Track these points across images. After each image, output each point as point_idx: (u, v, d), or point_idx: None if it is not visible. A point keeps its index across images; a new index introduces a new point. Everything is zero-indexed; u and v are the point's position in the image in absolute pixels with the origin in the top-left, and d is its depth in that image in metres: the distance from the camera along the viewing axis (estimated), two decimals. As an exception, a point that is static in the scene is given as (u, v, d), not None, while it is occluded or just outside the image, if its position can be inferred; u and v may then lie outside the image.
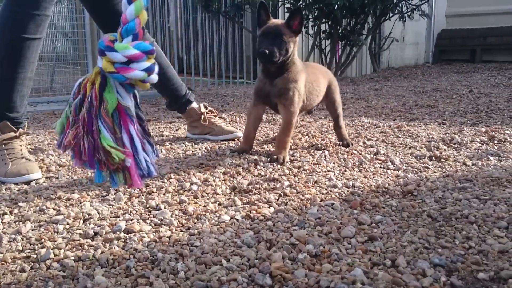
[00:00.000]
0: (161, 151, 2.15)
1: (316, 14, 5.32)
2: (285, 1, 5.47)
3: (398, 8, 5.49)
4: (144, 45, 1.03)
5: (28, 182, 1.72)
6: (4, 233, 1.26)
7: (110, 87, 1.03)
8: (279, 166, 1.86)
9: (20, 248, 1.18)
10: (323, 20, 5.38)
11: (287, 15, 5.50)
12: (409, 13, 5.67)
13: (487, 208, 1.35)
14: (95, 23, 2.22)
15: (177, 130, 2.73)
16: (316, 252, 1.11)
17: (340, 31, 5.50)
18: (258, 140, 2.35)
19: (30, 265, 1.09)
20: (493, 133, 2.31)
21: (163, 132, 2.67)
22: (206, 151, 2.15)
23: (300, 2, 5.26)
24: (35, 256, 1.13)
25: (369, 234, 1.20)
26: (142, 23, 1.03)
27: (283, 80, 1.95)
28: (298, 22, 1.89)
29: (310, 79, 2.04)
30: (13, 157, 1.80)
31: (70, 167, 1.93)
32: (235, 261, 1.08)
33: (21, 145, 1.88)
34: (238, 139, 2.37)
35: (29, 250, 1.17)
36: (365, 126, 2.68)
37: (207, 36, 5.68)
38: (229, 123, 2.84)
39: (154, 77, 1.06)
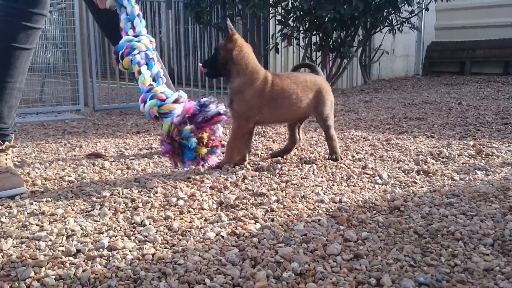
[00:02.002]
0: (149, 164, 2.14)
1: (307, 26, 5.35)
2: (276, 13, 5.50)
3: (388, 20, 5.53)
4: None
5: (12, 197, 1.70)
6: (-15, 250, 1.24)
7: None
8: (267, 180, 1.85)
9: (0, 266, 1.16)
10: (314, 32, 5.41)
11: (278, 27, 5.53)
12: (399, 26, 5.72)
13: (473, 225, 1.35)
14: (104, 34, 2.27)
15: (166, 142, 2.71)
16: (301, 270, 1.10)
17: (330, 43, 5.53)
18: (247, 153, 2.34)
19: (10, 284, 1.07)
20: (481, 146, 2.32)
21: (152, 144, 2.65)
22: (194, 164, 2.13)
23: (291, 14, 5.28)
24: (15, 274, 1.11)
25: (355, 251, 1.19)
26: None
27: (230, 90, 2.03)
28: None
29: (279, 91, 2.03)
30: None
31: (56, 181, 1.91)
32: (219, 280, 1.06)
33: (6, 159, 1.86)
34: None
35: (9, 268, 1.14)
36: (354, 139, 2.68)
37: (199, 47, 5.69)
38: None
39: None
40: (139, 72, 1.62)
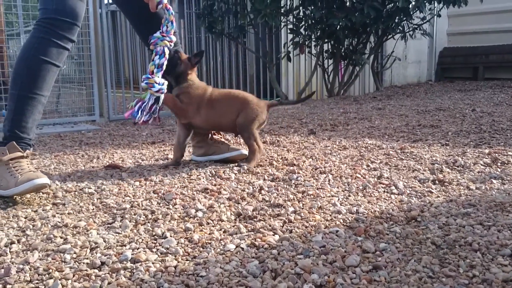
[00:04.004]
0: (166, 175, 2.17)
1: (318, 34, 5.38)
2: (288, 22, 5.54)
3: (399, 27, 5.55)
4: None
5: (40, 187, 1.80)
6: (13, 263, 1.28)
7: None
8: (283, 191, 1.88)
9: (28, 278, 1.19)
10: (326, 40, 5.44)
11: (290, 36, 5.57)
12: (411, 32, 5.72)
13: (491, 235, 1.36)
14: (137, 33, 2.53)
15: (181, 153, 2.75)
16: (321, 282, 1.12)
17: (342, 50, 5.55)
18: (262, 163, 2.36)
19: (38, 297, 1.10)
20: (496, 155, 2.32)
21: (168, 155, 2.69)
22: (210, 174, 2.17)
23: (303, 23, 5.32)
24: (43, 287, 1.14)
25: (374, 263, 1.21)
26: None
27: None
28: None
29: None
30: (21, 171, 1.84)
31: (76, 193, 1.95)
32: (241, 292, 1.09)
33: (27, 163, 1.91)
34: (241, 159, 2.39)
35: (37, 281, 1.18)
36: (369, 147, 2.69)
37: (211, 56, 5.75)
38: (233, 144, 2.86)
39: None
40: (152, 59, 2.17)
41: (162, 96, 2.19)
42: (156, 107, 2.19)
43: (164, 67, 2.17)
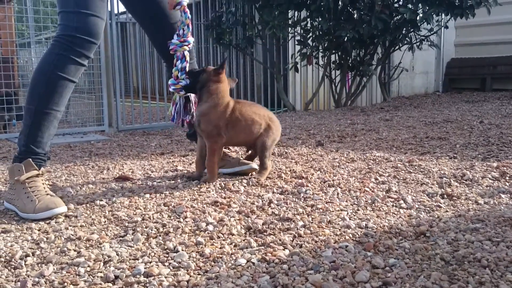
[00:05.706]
0: (176, 187, 2.20)
1: (326, 45, 5.41)
2: (295, 34, 5.58)
3: (407, 38, 5.57)
4: None
5: (57, 215, 1.80)
6: (28, 276, 1.30)
7: None
8: (292, 204, 1.90)
9: (44, 292, 1.22)
10: (333, 51, 5.47)
11: (297, 47, 5.61)
12: (418, 44, 5.74)
13: (500, 251, 1.37)
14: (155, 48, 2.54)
15: (190, 164, 2.78)
16: (332, 298, 1.13)
17: (350, 61, 5.58)
18: (270, 175, 2.38)
19: (54, 310, 1.12)
20: (505, 168, 2.33)
21: (177, 166, 2.72)
22: (220, 187, 2.19)
23: (310, 34, 5.36)
24: (58, 300, 1.17)
25: (383, 279, 1.22)
26: None
27: (198, 113, 2.32)
28: None
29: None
30: (38, 194, 1.87)
31: (87, 205, 1.97)
32: (253, 307, 1.10)
33: (43, 183, 1.95)
34: (251, 173, 2.41)
35: (52, 294, 1.21)
36: (377, 160, 2.70)
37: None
38: (242, 156, 2.88)
39: None
40: (175, 64, 2.24)
41: (192, 96, 2.31)
42: (191, 105, 2.32)
43: (187, 67, 2.26)
